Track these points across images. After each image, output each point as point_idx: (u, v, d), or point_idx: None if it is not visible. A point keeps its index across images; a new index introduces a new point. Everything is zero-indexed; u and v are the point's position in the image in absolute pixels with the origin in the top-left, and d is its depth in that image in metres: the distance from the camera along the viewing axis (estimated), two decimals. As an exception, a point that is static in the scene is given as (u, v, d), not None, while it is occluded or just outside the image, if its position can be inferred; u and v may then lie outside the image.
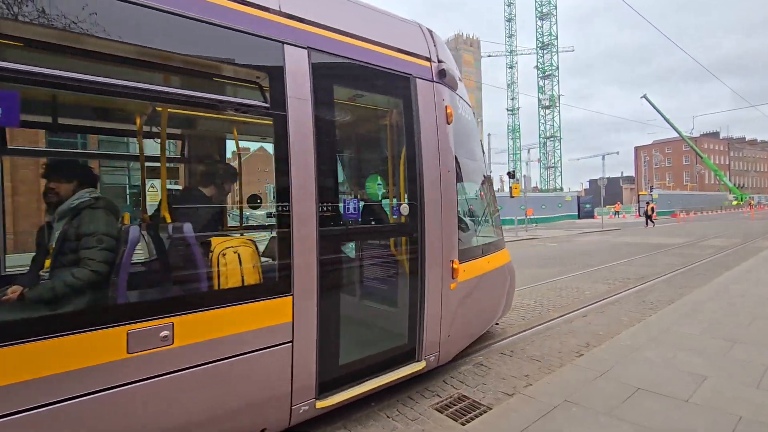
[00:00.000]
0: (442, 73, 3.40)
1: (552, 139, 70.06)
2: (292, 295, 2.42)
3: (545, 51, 68.87)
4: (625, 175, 77.73)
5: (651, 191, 45.76)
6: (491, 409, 3.04)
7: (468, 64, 72.64)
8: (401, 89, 3.18)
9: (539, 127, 71.03)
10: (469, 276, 3.61)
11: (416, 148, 3.17)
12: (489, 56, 77.04)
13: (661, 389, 3.07)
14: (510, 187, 22.68)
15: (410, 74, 3.18)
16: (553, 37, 68.09)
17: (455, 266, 3.36)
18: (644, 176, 75.05)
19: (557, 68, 68.61)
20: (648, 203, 30.83)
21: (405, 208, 3.18)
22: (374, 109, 3.90)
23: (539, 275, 9.02)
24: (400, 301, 3.33)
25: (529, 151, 66.30)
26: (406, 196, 3.28)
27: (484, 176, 4.55)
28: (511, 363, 4.00)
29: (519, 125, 75.43)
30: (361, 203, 3.15)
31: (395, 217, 3.30)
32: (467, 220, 4.05)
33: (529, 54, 72.14)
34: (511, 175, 24.32)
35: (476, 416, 2.95)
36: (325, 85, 2.71)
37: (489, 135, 32.29)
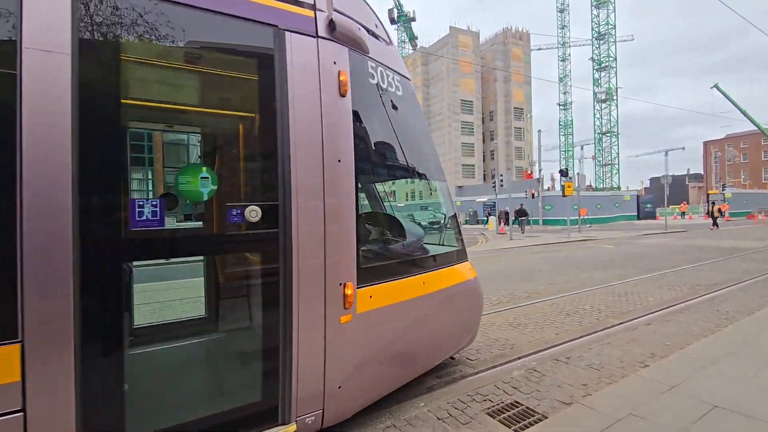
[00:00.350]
0: (332, 26, 2.51)
1: (608, 134, 66.07)
2: (21, 341, 1.67)
3: (601, 41, 65.02)
4: (691, 172, 71.59)
5: (723, 190, 41.97)
6: (547, 417, 2.91)
7: (517, 59, 69.86)
8: (259, 46, 2.39)
9: (594, 122, 67.31)
10: (384, 302, 2.78)
11: (281, 129, 2.35)
12: (539, 49, 73.97)
13: (742, 408, 2.79)
14: (562, 186, 21.70)
15: (276, 26, 2.36)
16: (610, 26, 64.15)
17: (349, 291, 2.51)
18: (715, 173, 68.73)
19: (615, 59, 64.61)
20: (713, 203, 28.42)
21: (252, 212, 2.29)
22: (215, 74, 3.01)
23: (595, 279, 8.53)
24: (249, 340, 2.58)
25: (582, 148, 63.27)
26: (258, 195, 2.50)
27: (428, 167, 3.54)
28: (567, 370, 3.81)
29: (572, 120, 71.71)
30: (179, 205, 2.40)
31: (236, 223, 2.33)
32: (387, 226, 3.26)
33: (583, 45, 68.46)
34: (564, 172, 23.27)
35: (531, 424, 2.83)
36: (109, 37, 1.96)
37: (539, 131, 31.11)
